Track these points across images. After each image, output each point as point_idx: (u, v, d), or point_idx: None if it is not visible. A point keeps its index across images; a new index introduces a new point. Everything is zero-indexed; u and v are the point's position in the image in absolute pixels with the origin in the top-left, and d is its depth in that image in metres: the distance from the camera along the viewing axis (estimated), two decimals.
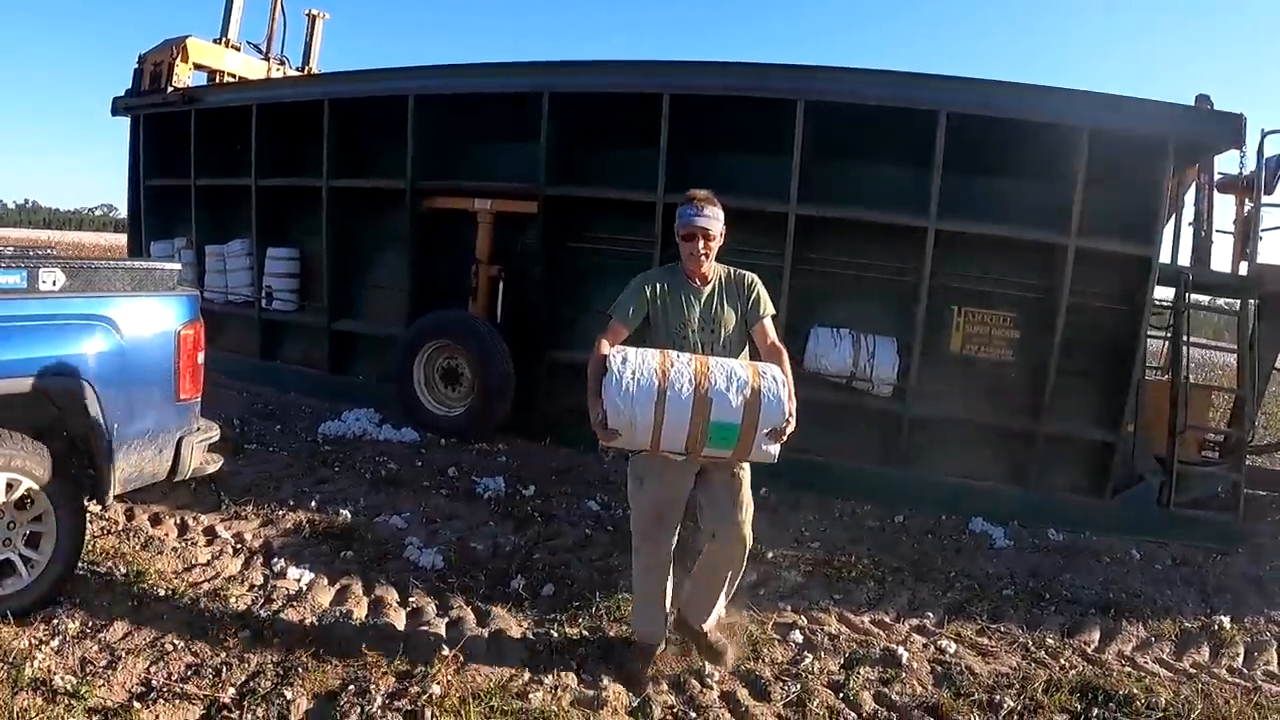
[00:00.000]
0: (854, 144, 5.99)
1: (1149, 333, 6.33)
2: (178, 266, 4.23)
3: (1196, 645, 4.24)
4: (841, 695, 3.45)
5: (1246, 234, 6.32)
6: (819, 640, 3.92)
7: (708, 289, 3.30)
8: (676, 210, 3.28)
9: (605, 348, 3.06)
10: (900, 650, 3.83)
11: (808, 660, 3.71)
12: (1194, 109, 5.58)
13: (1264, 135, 6.07)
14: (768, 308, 3.31)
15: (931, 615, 4.32)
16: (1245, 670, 4.02)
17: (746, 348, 3.34)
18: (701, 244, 3.20)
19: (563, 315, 6.73)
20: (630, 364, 2.94)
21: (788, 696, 3.40)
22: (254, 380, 8.06)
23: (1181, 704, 3.52)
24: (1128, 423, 5.75)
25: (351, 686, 3.13)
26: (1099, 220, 5.55)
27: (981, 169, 5.82)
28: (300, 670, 3.22)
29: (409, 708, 3.03)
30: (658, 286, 3.29)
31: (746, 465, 3.27)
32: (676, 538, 3.40)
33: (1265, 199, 6.12)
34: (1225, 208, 6.74)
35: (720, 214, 3.26)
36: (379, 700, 3.05)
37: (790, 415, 2.91)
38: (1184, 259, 6.72)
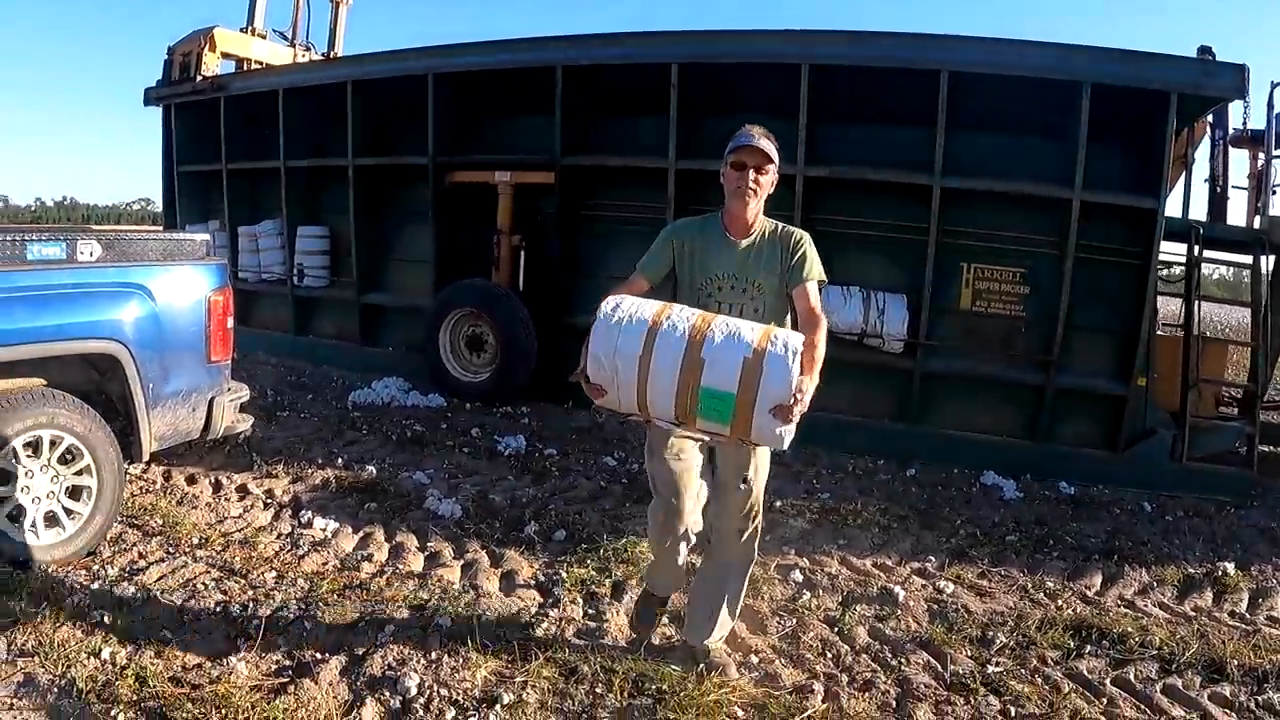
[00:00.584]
0: (860, 105, 6.07)
1: (1165, 289, 6.36)
2: (206, 237, 4.49)
3: (1199, 591, 4.27)
4: (836, 629, 3.58)
5: (1260, 188, 6.29)
6: (819, 580, 4.07)
7: (746, 242, 2.87)
8: (727, 147, 2.81)
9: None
10: (897, 589, 3.96)
11: (806, 598, 3.85)
12: (1196, 60, 5.58)
13: (1274, 87, 6.04)
14: (814, 270, 2.84)
15: (933, 559, 4.43)
16: (1248, 615, 4.04)
17: (787, 320, 2.91)
18: (752, 175, 2.75)
19: (581, 281, 6.93)
20: (621, 311, 2.58)
21: (783, 630, 3.54)
22: (289, 355, 8.42)
23: (1177, 643, 3.57)
24: (1139, 376, 5.76)
25: (367, 618, 3.36)
26: (1104, 174, 5.61)
27: (987, 126, 5.89)
28: (321, 605, 3.45)
29: (417, 635, 3.24)
30: (687, 237, 2.90)
31: (762, 469, 2.99)
32: (700, 513, 3.09)
33: (1277, 153, 6.08)
34: (1240, 163, 6.70)
35: (776, 152, 2.82)
36: (392, 629, 3.27)
37: (799, 391, 2.43)
38: (1201, 214, 6.70)
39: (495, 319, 6.90)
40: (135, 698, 2.72)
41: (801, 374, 2.45)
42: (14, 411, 3.50)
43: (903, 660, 3.36)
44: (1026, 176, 5.78)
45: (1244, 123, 6.36)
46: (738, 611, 3.27)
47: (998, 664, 3.36)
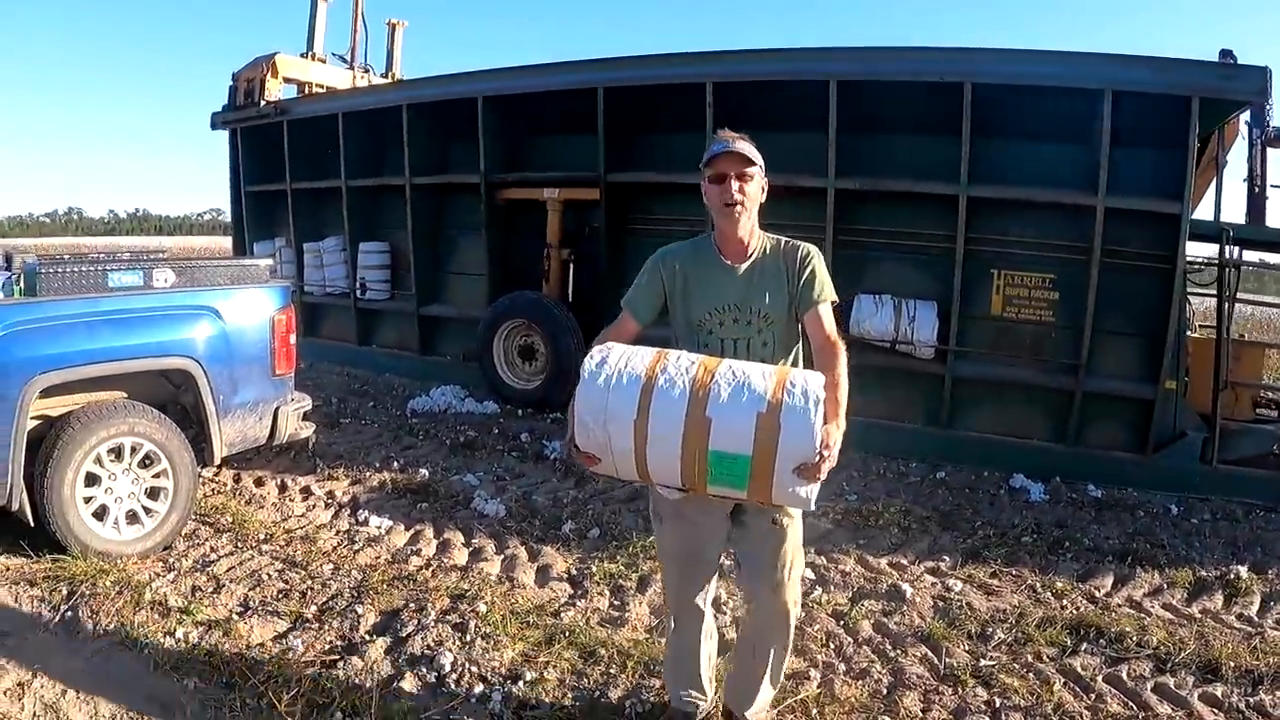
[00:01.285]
0: (886, 118, 6.27)
1: (1198, 291, 6.40)
2: (269, 262, 4.99)
3: (1210, 593, 4.34)
4: (842, 623, 3.84)
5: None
6: (832, 577, 4.33)
7: (745, 266, 2.53)
8: (701, 160, 2.51)
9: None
10: (905, 587, 4.19)
11: (817, 593, 4.12)
12: (1215, 64, 5.63)
13: None
14: (825, 291, 2.51)
15: (947, 559, 4.63)
16: (1255, 618, 4.11)
17: (799, 347, 2.62)
18: (735, 186, 2.42)
19: (623, 293, 7.26)
20: (609, 365, 2.26)
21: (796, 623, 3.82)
22: (353, 364, 9.00)
23: (1174, 644, 3.68)
24: (1167, 380, 5.83)
25: (412, 604, 3.77)
26: (1130, 179, 5.72)
27: (1014, 134, 6.02)
28: (371, 593, 3.87)
29: (457, 620, 3.63)
30: (676, 265, 2.56)
31: (795, 510, 2.58)
32: (714, 588, 2.83)
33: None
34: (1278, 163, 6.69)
35: (757, 154, 2.48)
36: (433, 615, 3.67)
37: (826, 447, 2.13)
38: (1239, 216, 6.71)
39: (546, 329, 7.31)
40: (204, 670, 3.16)
41: (826, 423, 2.14)
42: (99, 421, 4.03)
43: (900, 653, 3.59)
44: (1054, 184, 5.90)
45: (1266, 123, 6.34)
46: (781, 676, 2.90)
47: (992, 658, 3.55)
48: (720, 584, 3.03)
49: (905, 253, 6.42)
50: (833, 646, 3.63)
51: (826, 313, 2.50)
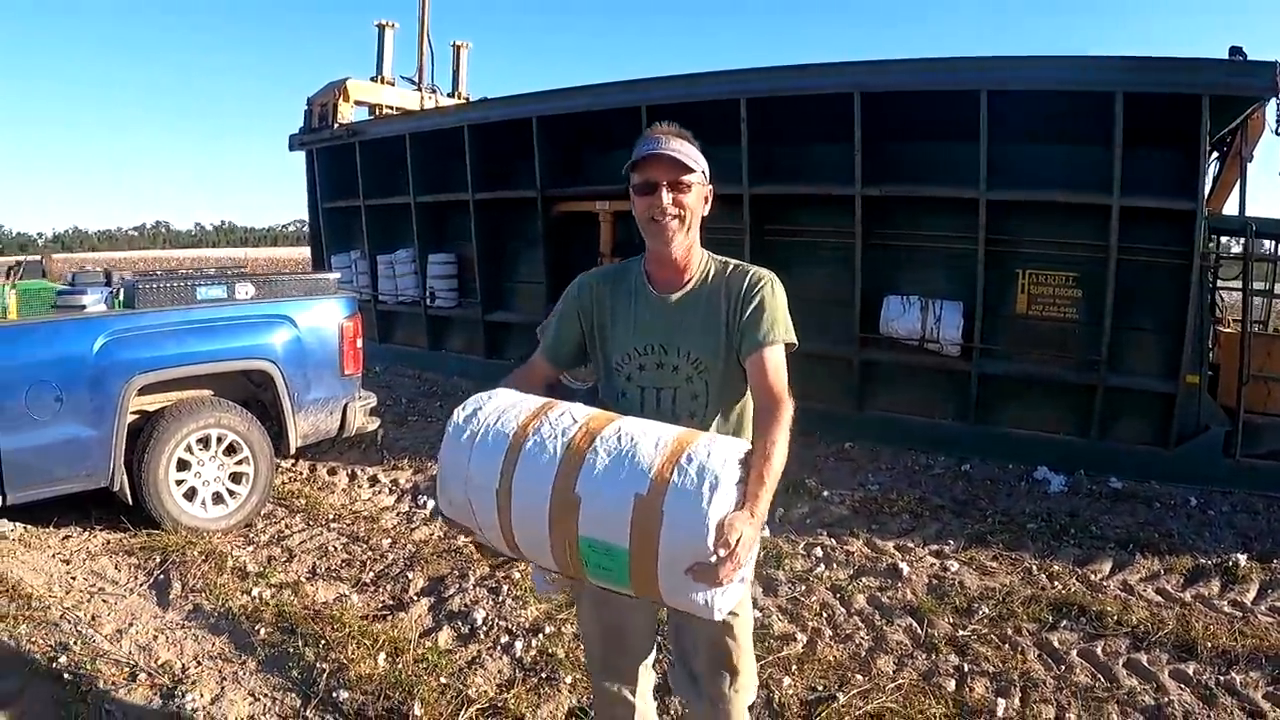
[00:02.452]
0: (910, 127, 6.64)
1: (1227, 286, 6.53)
2: (337, 275, 5.72)
3: (1206, 580, 4.51)
4: (838, 595, 4.26)
5: None
6: (836, 556, 4.76)
7: (677, 295, 2.07)
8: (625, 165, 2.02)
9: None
10: (903, 566, 4.57)
11: (820, 570, 4.56)
12: (1224, 62, 5.76)
13: None
14: (775, 330, 1.99)
15: (952, 543, 4.97)
16: (1247, 604, 4.24)
17: (744, 404, 2.10)
18: (667, 197, 1.97)
19: None
20: (479, 418, 1.89)
21: (792, 594, 4.26)
22: (425, 367, 9.82)
23: (1153, 623, 3.90)
24: (1188, 374, 5.99)
25: (455, 572, 4.38)
26: (1144, 179, 5.93)
27: (1029, 139, 6.31)
28: (422, 563, 4.51)
29: (493, 585, 4.22)
30: (595, 294, 2.12)
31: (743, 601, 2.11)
32: (651, 674, 2.33)
33: None
34: None
35: (699, 157, 2.02)
36: (473, 580, 4.27)
37: (725, 545, 1.59)
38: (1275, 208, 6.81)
39: None
40: (274, 620, 3.82)
41: (736, 510, 1.66)
42: (190, 415, 4.81)
43: (887, 623, 3.97)
44: (1072, 185, 6.14)
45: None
46: None
47: (971, 631, 3.86)
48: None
49: (932, 255, 6.77)
50: (825, 615, 4.04)
51: (774, 358, 1.95)
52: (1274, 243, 7.03)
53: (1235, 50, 5.96)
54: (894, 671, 3.55)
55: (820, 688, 3.40)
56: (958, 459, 6.46)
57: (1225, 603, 4.27)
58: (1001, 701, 3.30)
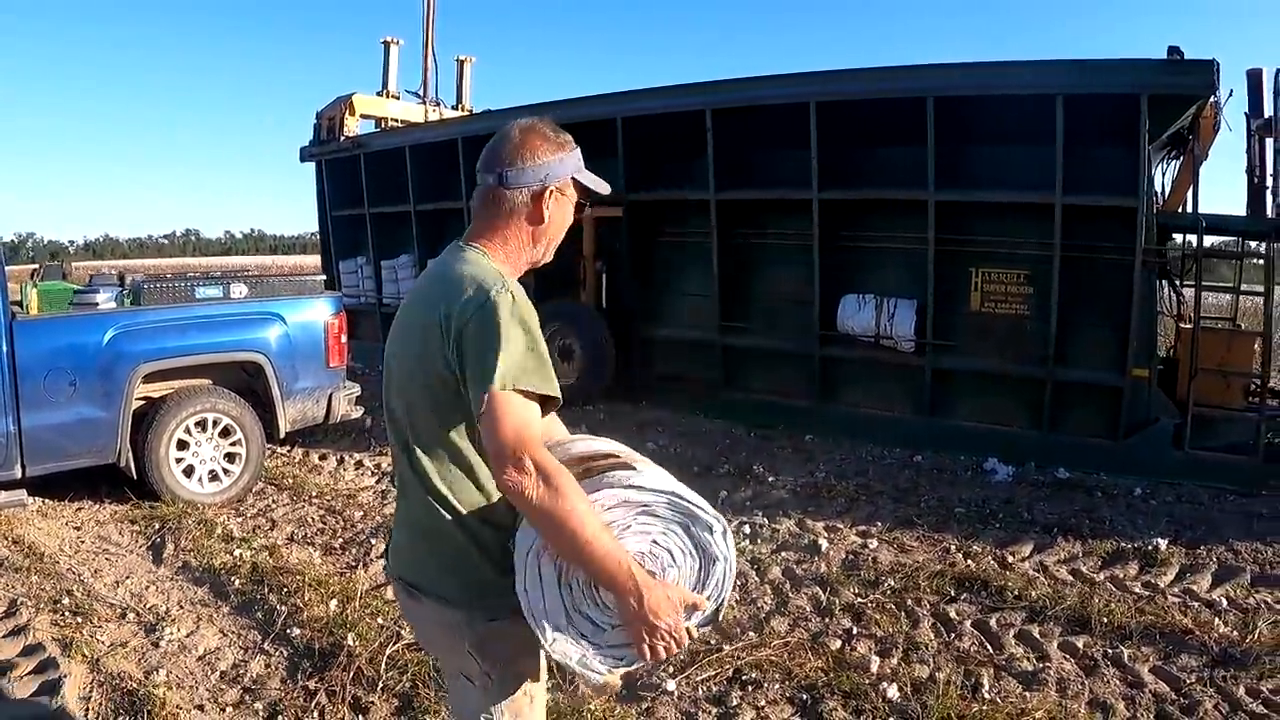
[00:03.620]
0: (864, 132, 7.26)
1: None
2: (323, 278, 6.51)
3: (1124, 563, 4.86)
4: (755, 567, 4.82)
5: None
6: (764, 534, 5.36)
7: None
8: (570, 167, 1.87)
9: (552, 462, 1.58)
10: (823, 543, 5.14)
11: (745, 544, 5.15)
12: (1162, 62, 6.23)
13: (1277, 73, 6.60)
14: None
15: (880, 524, 5.50)
16: (1160, 586, 4.56)
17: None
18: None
19: (649, 299, 8.51)
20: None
21: None
22: None
23: (1052, 599, 4.26)
24: (1136, 367, 6.45)
25: None
26: (1087, 178, 6.42)
27: (976, 141, 6.89)
28: (385, 532, 5.24)
29: None
30: None
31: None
32: None
33: None
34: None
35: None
36: None
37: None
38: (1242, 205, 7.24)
39: (581, 333, 8.61)
40: (249, 574, 4.61)
41: None
42: (190, 400, 5.67)
43: (794, 591, 4.49)
44: (1019, 185, 6.69)
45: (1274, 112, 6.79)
46: None
47: (873, 600, 4.30)
48: None
49: (888, 255, 7.38)
50: (739, 583, 4.56)
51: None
52: (1239, 240, 7.46)
53: (1173, 50, 6.43)
54: (786, 631, 4.04)
55: (712, 643, 3.85)
56: (912, 451, 7.02)
57: (1138, 584, 4.61)
58: (877, 659, 3.75)
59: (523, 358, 1.62)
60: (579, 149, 1.91)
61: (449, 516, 1.76)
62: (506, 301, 1.65)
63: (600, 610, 1.67)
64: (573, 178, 1.89)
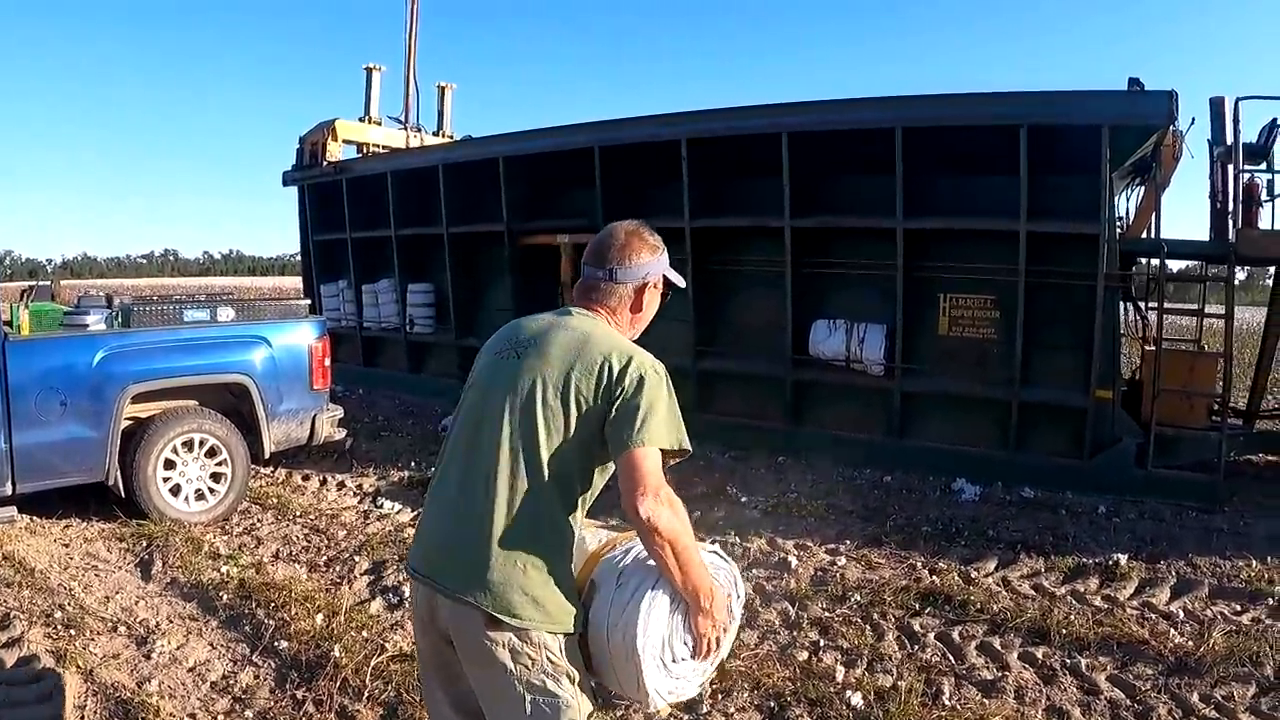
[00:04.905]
0: (835, 162, 7.62)
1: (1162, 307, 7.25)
2: (307, 302, 6.77)
3: (1085, 577, 5.10)
4: None
5: (1249, 201, 7.06)
6: (735, 552, 5.60)
7: None
8: (663, 266, 2.28)
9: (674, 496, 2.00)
10: (793, 560, 5.39)
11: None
12: (1121, 93, 6.59)
13: (1238, 103, 6.89)
14: None
15: (848, 542, 5.76)
16: (1120, 599, 4.81)
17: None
18: None
19: None
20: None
21: None
22: (405, 390, 10.98)
23: (1013, 612, 4.49)
24: (1100, 388, 6.74)
25: (397, 558, 5.34)
26: (1056, 205, 6.77)
27: (944, 171, 7.25)
28: (369, 550, 5.50)
29: None
30: None
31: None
32: None
33: (1247, 166, 6.96)
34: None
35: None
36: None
37: None
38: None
39: None
40: (236, 590, 4.83)
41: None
42: (177, 420, 5.91)
43: (764, 606, 4.68)
44: (986, 213, 7.03)
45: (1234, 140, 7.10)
46: None
47: (839, 614, 4.53)
48: None
49: (859, 282, 7.70)
50: None
51: None
52: (1202, 264, 7.84)
53: (1134, 82, 6.80)
54: (756, 644, 4.24)
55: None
56: (883, 471, 7.31)
57: (1098, 598, 4.85)
58: (843, 669, 3.96)
59: (667, 423, 2.02)
60: (667, 250, 2.31)
61: (549, 535, 2.03)
62: (663, 372, 2.09)
63: (685, 647, 2.10)
64: (664, 275, 2.29)
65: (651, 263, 2.24)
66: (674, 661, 2.10)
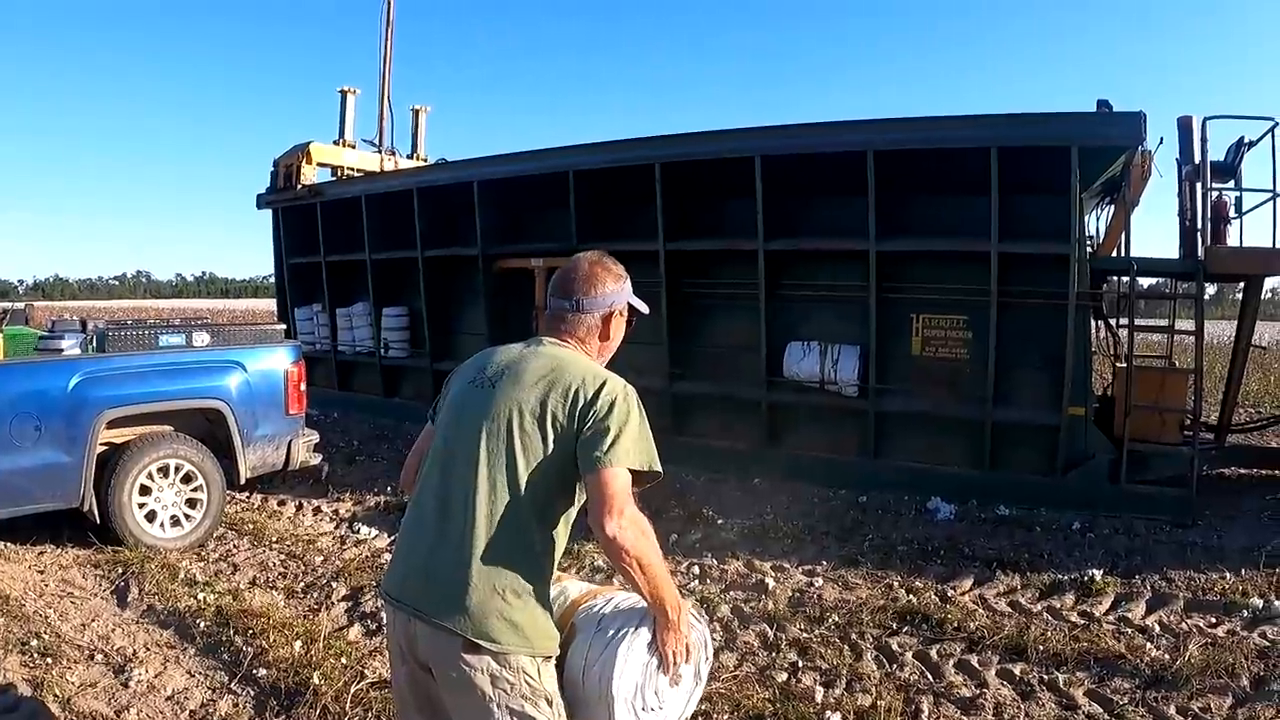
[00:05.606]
0: (808, 184, 7.77)
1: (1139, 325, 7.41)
2: (283, 327, 6.83)
3: (1061, 593, 5.22)
4: (705, 606, 5.10)
5: (1217, 219, 7.26)
6: (713, 574, 5.69)
7: None
8: (627, 294, 2.38)
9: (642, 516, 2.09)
10: (770, 582, 5.47)
11: (694, 584, 5.50)
12: (1090, 115, 6.79)
13: (1205, 122, 7.10)
14: None
15: (825, 563, 5.85)
16: (1096, 615, 4.91)
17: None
18: None
19: None
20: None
21: None
22: (379, 414, 10.99)
23: (990, 630, 4.59)
24: (1072, 406, 6.87)
25: (374, 583, 5.37)
26: (1022, 225, 6.93)
27: (916, 192, 7.39)
28: (346, 576, 5.54)
29: None
30: None
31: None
32: None
33: (1215, 185, 7.14)
34: None
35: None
36: None
37: None
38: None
39: None
40: (213, 617, 4.86)
41: None
42: (152, 446, 5.93)
43: (742, 628, 4.79)
44: (958, 234, 7.18)
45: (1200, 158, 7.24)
46: None
47: (818, 635, 4.62)
48: None
49: (832, 303, 7.83)
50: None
51: None
52: (1172, 281, 8.04)
53: (1102, 103, 7.00)
54: (735, 666, 4.34)
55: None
56: (858, 492, 7.40)
57: (1074, 614, 4.96)
58: (822, 690, 4.06)
59: (637, 445, 2.09)
60: (629, 278, 2.41)
61: (526, 559, 2.08)
62: (634, 396, 2.17)
63: (657, 698, 2.21)
64: (628, 302, 2.39)
65: (616, 292, 2.35)
66: (644, 709, 2.18)
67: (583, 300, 2.30)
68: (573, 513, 2.21)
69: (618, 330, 2.40)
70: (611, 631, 2.16)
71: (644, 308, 2.45)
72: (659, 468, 2.16)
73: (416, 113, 13.53)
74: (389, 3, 13.13)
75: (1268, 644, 4.52)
